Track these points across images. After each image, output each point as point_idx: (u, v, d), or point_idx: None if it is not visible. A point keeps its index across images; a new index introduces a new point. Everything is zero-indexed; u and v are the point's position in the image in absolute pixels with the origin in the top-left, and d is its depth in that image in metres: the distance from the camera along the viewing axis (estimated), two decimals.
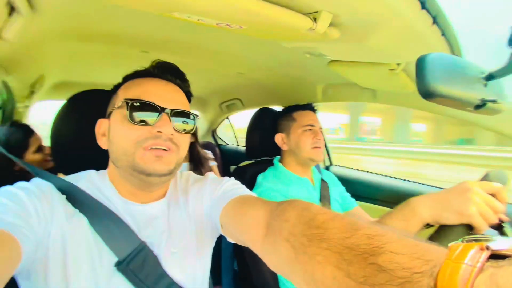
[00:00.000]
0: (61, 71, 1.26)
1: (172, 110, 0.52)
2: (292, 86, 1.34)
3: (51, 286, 0.46)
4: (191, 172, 0.71)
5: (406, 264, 0.23)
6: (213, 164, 1.85)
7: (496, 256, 0.21)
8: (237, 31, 0.54)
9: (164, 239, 0.55)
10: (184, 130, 0.55)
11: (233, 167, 2.10)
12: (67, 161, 0.65)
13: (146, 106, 0.51)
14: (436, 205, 0.53)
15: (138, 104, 0.51)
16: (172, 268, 0.54)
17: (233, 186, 0.62)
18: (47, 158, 1.30)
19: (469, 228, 0.49)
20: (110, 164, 0.57)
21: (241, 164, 1.26)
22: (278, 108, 1.29)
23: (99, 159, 0.61)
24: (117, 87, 0.60)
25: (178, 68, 0.61)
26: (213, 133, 2.18)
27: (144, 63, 0.62)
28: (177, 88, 0.58)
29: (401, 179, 1.36)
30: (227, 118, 2.06)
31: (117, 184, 0.56)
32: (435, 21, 0.49)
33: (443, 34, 0.54)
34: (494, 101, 0.45)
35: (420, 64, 0.40)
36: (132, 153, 0.50)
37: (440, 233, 0.51)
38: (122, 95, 0.55)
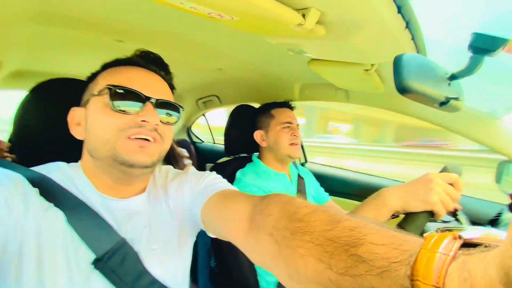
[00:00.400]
0: (22, 58, 1.15)
1: (157, 100, 0.51)
2: (270, 84, 1.36)
3: (25, 286, 0.42)
4: (171, 166, 0.69)
5: (384, 254, 0.25)
6: (188, 162, 1.81)
7: (467, 245, 0.23)
8: (225, 23, 0.54)
9: (145, 235, 0.53)
10: (168, 122, 0.54)
11: (209, 165, 2.08)
12: (31, 155, 0.60)
13: (131, 94, 0.49)
14: (404, 194, 0.59)
15: (122, 91, 0.49)
16: (153, 265, 0.53)
17: (215, 181, 0.62)
18: (3, 154, 1.17)
19: (431, 215, 0.56)
20: (85, 156, 0.54)
21: (220, 161, 1.26)
22: (256, 105, 1.31)
23: (68, 152, 0.58)
24: (95, 74, 0.56)
25: (162, 59, 0.59)
26: (188, 130, 2.13)
27: (118, 54, 0.59)
28: (162, 79, 0.57)
29: (370, 175, 1.46)
30: (203, 115, 2.03)
31: (93, 178, 0.53)
32: (407, 25, 0.54)
33: (412, 39, 0.60)
34: (456, 99, 0.51)
35: (398, 62, 0.44)
36: (114, 142, 0.48)
37: (408, 220, 0.57)
38: (103, 81, 0.52)
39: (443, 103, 0.52)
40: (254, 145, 1.17)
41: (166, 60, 0.61)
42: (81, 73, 0.63)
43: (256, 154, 1.18)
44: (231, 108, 1.32)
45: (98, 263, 0.46)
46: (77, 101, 0.57)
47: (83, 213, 0.48)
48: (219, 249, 1.07)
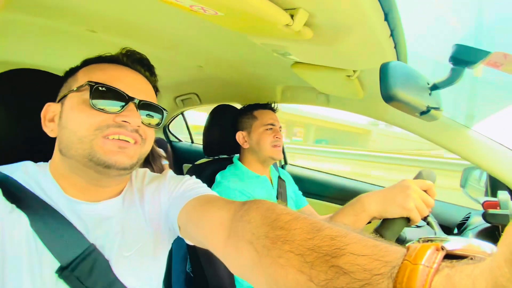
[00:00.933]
0: None
1: (140, 101, 0.50)
2: (252, 85, 1.34)
3: None
4: (147, 170, 0.66)
5: (366, 266, 0.24)
6: (165, 163, 1.74)
7: (450, 256, 0.22)
8: (207, 18, 0.51)
9: (117, 242, 0.50)
10: (150, 124, 0.53)
11: (186, 166, 2.01)
12: None
13: (113, 93, 0.47)
14: (383, 201, 0.61)
15: (104, 89, 0.46)
16: (125, 273, 0.49)
17: (194, 185, 0.59)
18: None
19: (407, 221, 0.57)
20: (56, 155, 0.50)
21: (198, 162, 1.21)
22: (237, 105, 1.28)
23: (39, 152, 0.53)
24: (74, 69, 0.53)
25: (148, 60, 0.58)
26: (165, 129, 2.05)
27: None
28: (146, 80, 0.55)
29: (347, 178, 1.49)
30: (182, 113, 1.96)
31: (62, 180, 0.49)
32: (392, 33, 0.54)
33: (395, 47, 0.61)
34: (437, 108, 0.52)
35: (384, 70, 0.44)
36: (90, 140, 0.45)
37: (385, 226, 0.58)
38: (84, 77, 0.49)
39: (423, 112, 0.53)
40: (234, 147, 1.14)
41: (147, 55, 0.58)
42: (52, 65, 0.57)
43: (237, 156, 1.15)
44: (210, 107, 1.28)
45: (63, 272, 0.43)
46: (48, 96, 0.53)
47: (48, 217, 0.44)
48: (195, 253, 1.03)
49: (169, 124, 2.06)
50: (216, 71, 1.28)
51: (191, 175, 1.10)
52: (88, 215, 0.49)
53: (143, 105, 0.50)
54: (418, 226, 0.83)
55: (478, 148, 0.87)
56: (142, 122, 0.50)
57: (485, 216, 0.76)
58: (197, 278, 1.07)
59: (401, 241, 0.76)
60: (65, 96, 0.49)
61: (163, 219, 0.56)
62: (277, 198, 1.07)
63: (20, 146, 0.56)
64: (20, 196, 0.44)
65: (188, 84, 1.59)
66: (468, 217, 0.97)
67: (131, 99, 0.48)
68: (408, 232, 0.81)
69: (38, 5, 0.75)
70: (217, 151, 1.21)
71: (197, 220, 0.48)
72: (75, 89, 0.48)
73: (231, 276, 0.97)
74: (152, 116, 0.53)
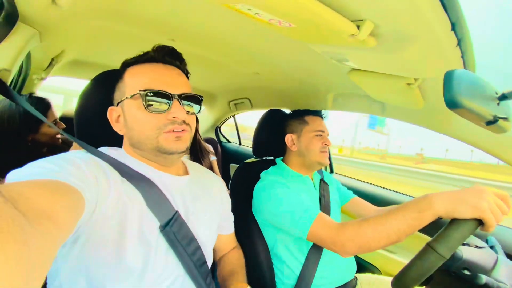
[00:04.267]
0: (80, 49, 1.27)
1: (181, 95, 0.58)
2: (303, 91, 1.39)
3: (107, 250, 0.50)
4: (198, 164, 0.82)
5: None
6: (213, 158, 1.87)
7: None
8: (279, 30, 0.58)
9: (191, 209, 0.63)
10: (191, 112, 0.61)
11: (233, 166, 2.13)
12: (89, 136, 0.67)
13: (159, 95, 0.57)
14: (453, 200, 0.59)
15: (152, 94, 0.56)
16: (199, 232, 0.63)
17: (231, 219, 0.86)
18: (59, 134, 1.29)
19: (479, 223, 0.54)
20: (126, 144, 0.62)
21: (247, 161, 1.30)
22: (287, 111, 1.34)
23: (117, 137, 0.64)
24: (119, 72, 0.63)
25: (175, 50, 0.65)
26: (217, 129, 2.20)
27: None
28: (179, 71, 0.63)
29: (396, 192, 1.42)
30: (233, 116, 2.09)
31: (142, 160, 0.61)
32: (459, 43, 0.55)
33: (462, 56, 0.60)
34: (506, 119, 0.50)
35: (449, 76, 0.45)
36: (155, 137, 0.57)
37: (453, 226, 0.55)
38: (132, 84, 0.59)
39: (490, 122, 0.52)
40: (280, 149, 1.19)
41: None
42: None
43: (280, 158, 1.20)
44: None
45: (164, 229, 0.55)
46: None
47: (147, 187, 0.56)
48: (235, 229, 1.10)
49: (221, 126, 2.21)
50: (270, 78, 1.36)
51: (241, 173, 1.20)
52: (173, 184, 0.62)
53: (184, 98, 0.59)
54: (478, 247, 0.77)
55: None
56: (186, 112, 0.59)
57: None
58: None
59: (457, 259, 0.71)
60: (122, 101, 0.59)
61: (218, 213, 0.75)
62: (319, 200, 1.08)
63: (107, 133, 0.65)
64: (126, 171, 0.56)
65: (242, 89, 1.70)
66: None
67: (173, 96, 0.57)
68: (465, 251, 0.76)
69: (130, 16, 0.90)
70: (264, 152, 1.28)
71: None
72: (129, 97, 0.57)
73: (272, 271, 1.02)
74: (192, 105, 0.61)
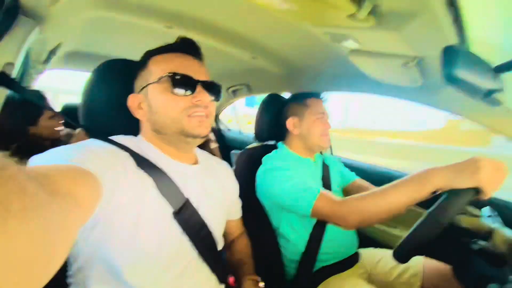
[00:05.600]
0: (77, 40, 1.26)
1: (204, 81, 0.61)
2: (301, 74, 1.39)
3: (123, 237, 0.52)
4: (206, 152, 0.83)
5: None
6: (216, 146, 1.89)
7: None
8: (279, 13, 0.59)
9: (202, 197, 0.65)
10: (214, 99, 0.64)
11: (235, 152, 2.15)
12: (97, 127, 0.68)
13: (186, 79, 0.59)
14: (451, 171, 0.62)
15: (179, 77, 0.58)
16: (209, 218, 0.65)
17: (239, 204, 0.90)
18: (59, 127, 1.31)
19: (477, 193, 0.58)
20: (148, 133, 0.64)
21: (249, 146, 1.32)
22: (286, 95, 1.35)
23: (126, 125, 0.66)
24: (143, 63, 0.64)
25: (196, 43, 0.67)
26: (216, 118, 2.21)
27: (167, 39, 0.65)
28: (200, 62, 0.66)
29: (398, 171, 1.46)
30: (231, 103, 2.10)
31: (159, 147, 0.63)
32: (456, 20, 0.56)
33: (459, 33, 0.62)
34: (500, 90, 0.53)
35: (448, 52, 0.47)
36: (180, 120, 0.59)
37: (451, 196, 0.58)
38: (158, 69, 0.61)
39: (485, 95, 0.54)
40: (281, 133, 1.21)
41: (202, 47, 0.68)
42: (134, 57, 0.69)
43: (282, 142, 1.22)
44: None
45: (177, 215, 0.58)
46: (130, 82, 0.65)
47: (160, 176, 0.58)
48: (245, 228, 1.14)
49: (219, 114, 2.22)
50: (268, 62, 1.36)
51: (243, 158, 1.23)
52: (183, 173, 0.63)
53: (205, 85, 0.61)
54: (476, 216, 0.80)
55: None
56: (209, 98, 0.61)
57: None
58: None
59: (455, 227, 0.74)
60: (145, 87, 0.61)
61: (226, 199, 0.77)
62: (322, 180, 1.12)
63: (116, 122, 0.67)
64: (140, 160, 0.57)
65: (240, 75, 1.70)
66: None
67: (198, 82, 0.60)
68: (463, 220, 0.80)
69: (127, 4, 0.90)
70: (266, 136, 1.30)
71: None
72: (155, 80, 0.59)
73: (278, 249, 1.06)
74: (213, 93, 0.63)
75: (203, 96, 0.60)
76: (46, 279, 0.25)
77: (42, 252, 0.24)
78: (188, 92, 0.59)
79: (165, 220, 0.57)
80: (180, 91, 0.58)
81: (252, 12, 0.81)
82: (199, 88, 0.60)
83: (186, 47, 0.65)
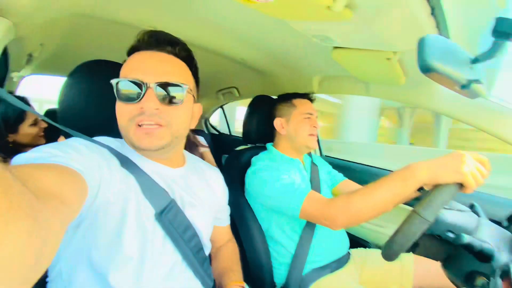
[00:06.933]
0: (59, 43, 1.23)
1: (156, 83, 0.52)
2: (289, 76, 1.40)
3: (107, 237, 0.50)
4: (197, 157, 0.82)
5: None
6: (206, 150, 1.87)
7: None
8: (257, 7, 0.58)
9: (186, 198, 0.63)
10: (172, 102, 0.54)
11: (225, 156, 2.13)
12: (78, 129, 0.66)
13: (130, 84, 0.52)
14: (435, 167, 0.61)
15: (122, 83, 0.53)
16: (195, 219, 0.63)
17: (227, 213, 0.87)
18: (41, 133, 1.27)
19: (460, 187, 0.57)
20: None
21: (238, 148, 1.31)
22: (274, 96, 1.34)
23: (106, 127, 0.63)
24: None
25: (165, 33, 0.59)
26: (206, 121, 2.20)
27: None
28: (165, 57, 0.56)
29: (388, 170, 1.46)
30: (221, 107, 2.09)
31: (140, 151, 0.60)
32: (433, 11, 0.56)
33: (437, 26, 0.62)
34: (478, 81, 0.53)
35: (422, 42, 0.47)
36: (127, 130, 0.53)
37: (435, 191, 0.58)
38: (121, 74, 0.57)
39: (464, 86, 0.54)
40: (270, 135, 1.20)
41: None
42: (117, 59, 0.68)
43: (270, 143, 1.22)
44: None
45: (159, 216, 0.55)
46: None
47: (143, 177, 0.56)
48: (235, 231, 1.12)
49: (209, 117, 2.21)
50: (256, 64, 1.36)
51: (232, 160, 1.20)
52: (166, 175, 0.61)
53: (161, 86, 0.52)
54: (461, 211, 0.80)
55: None
56: (163, 103, 0.53)
57: None
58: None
59: (441, 222, 0.74)
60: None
61: (215, 205, 0.76)
62: (310, 181, 1.11)
63: (95, 123, 0.65)
64: (123, 160, 0.55)
65: (229, 77, 1.69)
66: None
67: (145, 84, 0.51)
68: (448, 215, 0.80)
69: (109, 4, 0.88)
70: (255, 139, 1.29)
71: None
72: (114, 87, 0.53)
73: (268, 252, 1.04)
74: (169, 94, 0.53)
75: (147, 101, 0.51)
76: (34, 279, 0.25)
77: (30, 252, 0.24)
78: (135, 98, 0.51)
79: (148, 222, 0.55)
80: (123, 97, 0.52)
81: (237, 11, 0.80)
82: (147, 92, 0.51)
83: (148, 42, 0.56)
